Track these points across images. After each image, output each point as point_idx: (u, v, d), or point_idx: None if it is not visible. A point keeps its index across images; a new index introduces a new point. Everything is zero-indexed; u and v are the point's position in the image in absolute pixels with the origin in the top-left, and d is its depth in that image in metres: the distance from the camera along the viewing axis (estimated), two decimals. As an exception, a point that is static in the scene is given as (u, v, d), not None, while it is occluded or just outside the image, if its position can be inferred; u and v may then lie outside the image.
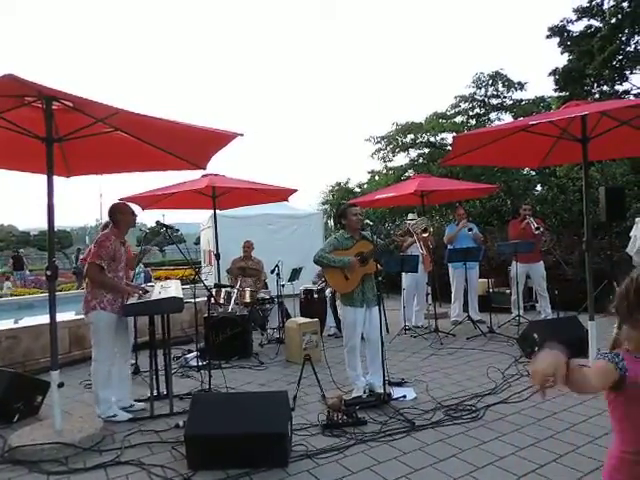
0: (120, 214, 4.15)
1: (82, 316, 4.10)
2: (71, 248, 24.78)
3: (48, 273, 3.38)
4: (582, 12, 14.45)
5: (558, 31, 14.90)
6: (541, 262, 6.85)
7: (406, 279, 7.05)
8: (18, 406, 3.90)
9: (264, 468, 2.89)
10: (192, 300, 5.61)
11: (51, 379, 3.40)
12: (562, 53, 15.17)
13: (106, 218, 4.56)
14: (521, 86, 18.40)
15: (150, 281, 5.84)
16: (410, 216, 7.11)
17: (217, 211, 6.68)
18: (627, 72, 14.31)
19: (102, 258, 3.90)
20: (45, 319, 3.59)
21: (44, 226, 3.48)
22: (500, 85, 18.54)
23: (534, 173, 14.11)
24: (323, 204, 20.89)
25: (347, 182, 21.31)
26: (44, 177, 3.39)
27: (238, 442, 2.93)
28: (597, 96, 14.67)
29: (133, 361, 4.96)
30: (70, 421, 3.58)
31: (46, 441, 3.22)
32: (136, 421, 3.77)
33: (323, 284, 6.68)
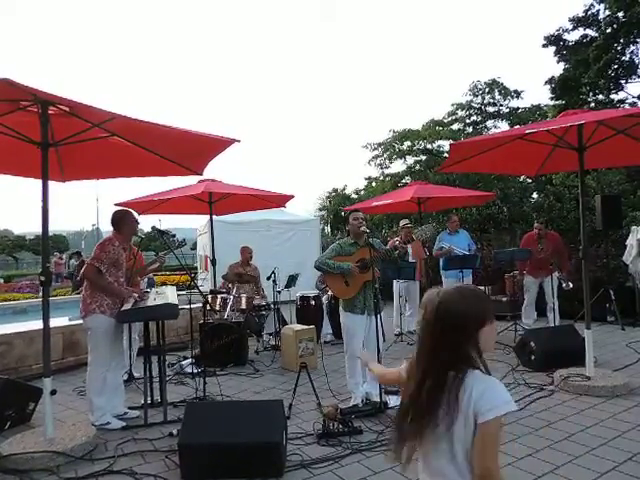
0: (123, 221, 4.14)
1: (76, 322, 4.06)
2: (66, 253, 24.66)
3: (42, 278, 3.35)
4: (578, 22, 14.59)
5: (554, 40, 15.04)
6: (554, 275, 6.48)
7: (397, 286, 7.04)
8: (10, 413, 3.86)
9: (259, 478, 2.85)
10: (187, 306, 5.57)
11: (43, 386, 3.36)
12: (558, 62, 15.32)
13: (103, 223, 4.55)
14: (517, 94, 18.55)
15: (154, 287, 5.80)
16: (402, 222, 7.09)
17: (214, 216, 6.65)
18: (622, 81, 14.44)
19: (102, 261, 3.87)
20: (39, 324, 3.55)
21: (40, 230, 3.45)
22: (497, 93, 18.69)
23: (530, 181, 14.16)
24: (320, 210, 20.92)
25: (344, 188, 21.36)
26: (40, 181, 3.37)
27: (232, 451, 2.90)
28: (593, 105, 14.78)
29: (127, 368, 4.91)
30: (62, 429, 3.54)
31: (37, 449, 3.18)
32: (130, 429, 3.73)
33: (327, 287, 6.67)
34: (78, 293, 4.46)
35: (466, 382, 1.32)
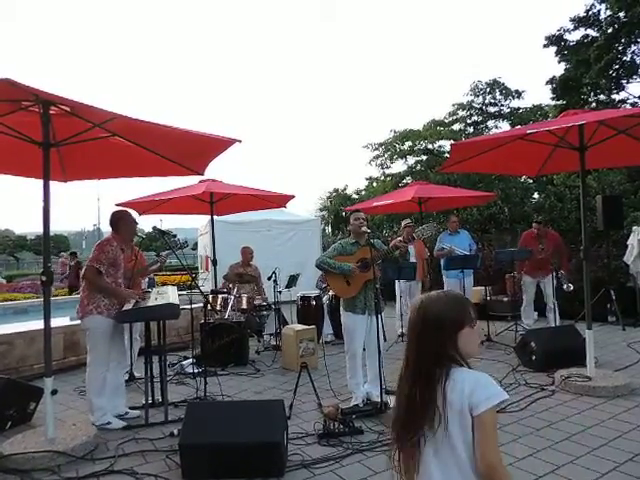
0: (121, 221, 4.13)
1: (77, 321, 4.06)
2: (66, 253, 24.70)
3: (43, 278, 3.35)
4: (579, 22, 14.57)
5: (555, 40, 15.02)
6: (552, 274, 6.46)
7: (399, 286, 7.04)
8: (11, 413, 3.86)
9: (259, 478, 2.85)
10: (188, 306, 5.57)
11: (44, 386, 3.36)
12: (559, 62, 15.30)
13: (104, 223, 4.55)
14: (519, 94, 18.54)
15: (155, 287, 5.82)
16: (404, 221, 7.08)
17: (215, 217, 6.66)
18: (623, 81, 14.42)
19: (101, 262, 3.87)
20: (40, 324, 3.55)
21: (41, 230, 3.45)
22: (498, 93, 18.68)
23: (531, 181, 14.16)
24: (321, 210, 20.92)
25: (345, 188, 21.36)
26: (41, 181, 3.37)
27: (233, 451, 2.90)
28: (594, 105, 14.77)
29: (128, 368, 4.91)
30: (63, 429, 3.54)
31: (38, 449, 3.18)
32: (130, 429, 3.73)
33: (328, 287, 6.66)
34: (78, 293, 4.45)
35: (454, 378, 1.36)
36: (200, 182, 6.02)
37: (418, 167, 18.39)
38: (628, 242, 7.48)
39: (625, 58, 13.90)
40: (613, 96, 14.86)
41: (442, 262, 7.04)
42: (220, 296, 6.26)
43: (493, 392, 1.34)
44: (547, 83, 15.45)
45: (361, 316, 4.05)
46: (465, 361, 1.41)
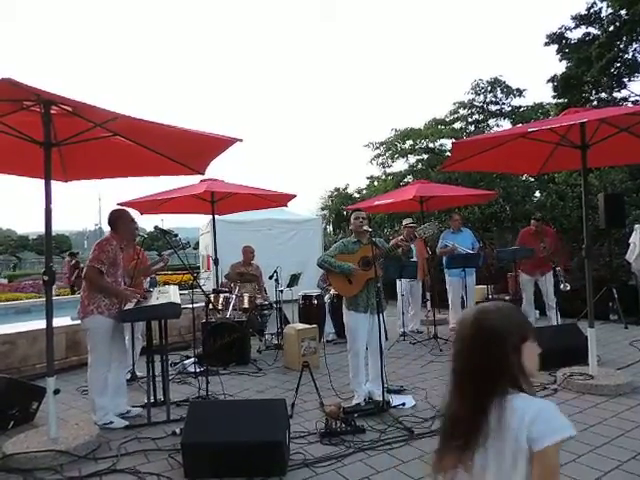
0: (120, 221, 4.13)
1: (79, 321, 4.06)
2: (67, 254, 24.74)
3: (45, 278, 3.35)
4: (580, 20, 14.52)
5: (556, 38, 14.97)
6: (551, 272, 6.51)
7: (401, 285, 7.04)
8: (13, 413, 3.87)
9: (261, 477, 2.85)
10: (190, 305, 5.58)
11: (47, 385, 3.37)
12: (560, 60, 15.24)
13: (106, 222, 4.54)
14: (520, 93, 18.47)
15: (156, 286, 5.83)
16: (405, 221, 7.06)
17: (216, 216, 6.66)
18: (625, 79, 14.37)
19: (102, 262, 3.87)
20: (42, 324, 3.56)
21: (43, 230, 3.46)
22: (499, 92, 18.61)
23: (533, 179, 14.11)
24: (322, 209, 20.90)
25: (346, 188, 21.32)
26: (42, 181, 3.38)
27: (235, 450, 2.90)
28: (595, 103, 14.72)
29: (130, 367, 4.92)
30: (66, 428, 3.55)
31: (41, 449, 3.19)
32: (133, 428, 3.73)
33: (329, 287, 6.68)
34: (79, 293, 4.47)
35: (513, 405, 1.20)
36: (201, 181, 6.02)
37: (419, 166, 18.33)
38: (630, 240, 7.46)
39: (627, 56, 13.85)
40: (615, 94, 14.80)
41: (444, 261, 7.03)
42: (222, 295, 6.27)
43: (560, 425, 1.16)
44: (548, 81, 15.40)
45: (363, 314, 4.05)
46: (528, 381, 1.23)
